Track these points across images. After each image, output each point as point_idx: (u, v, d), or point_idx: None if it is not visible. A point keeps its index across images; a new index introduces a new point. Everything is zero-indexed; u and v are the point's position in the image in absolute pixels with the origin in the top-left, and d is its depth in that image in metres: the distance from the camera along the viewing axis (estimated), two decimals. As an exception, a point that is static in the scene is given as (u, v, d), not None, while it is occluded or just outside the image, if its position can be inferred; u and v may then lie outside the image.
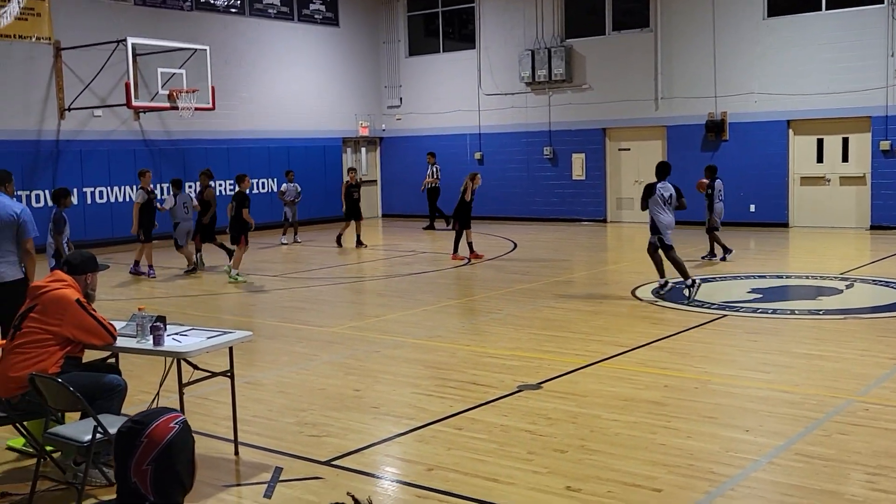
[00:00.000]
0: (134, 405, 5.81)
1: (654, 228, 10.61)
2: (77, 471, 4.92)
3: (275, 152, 21.52)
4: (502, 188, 22.19)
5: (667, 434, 5.59)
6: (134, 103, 16.80)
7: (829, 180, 18.52)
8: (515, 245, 17.01)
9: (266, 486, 4.93)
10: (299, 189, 18.77)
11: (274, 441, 5.70)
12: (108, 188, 18.22)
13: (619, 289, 11.20)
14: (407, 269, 14.20)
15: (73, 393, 4.53)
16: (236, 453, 5.46)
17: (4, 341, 5.29)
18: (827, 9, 18.04)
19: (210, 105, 17.88)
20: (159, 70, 17.30)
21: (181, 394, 5.15)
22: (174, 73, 17.44)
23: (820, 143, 18.55)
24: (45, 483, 4.95)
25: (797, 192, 18.86)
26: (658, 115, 20.18)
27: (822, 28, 18.05)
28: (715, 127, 19.27)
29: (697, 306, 10.02)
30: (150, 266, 13.88)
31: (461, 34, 23.75)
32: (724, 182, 17.91)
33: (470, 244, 14.94)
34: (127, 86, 16.44)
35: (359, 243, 17.31)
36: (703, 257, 13.96)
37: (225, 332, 5.49)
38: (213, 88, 17.94)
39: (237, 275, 13.02)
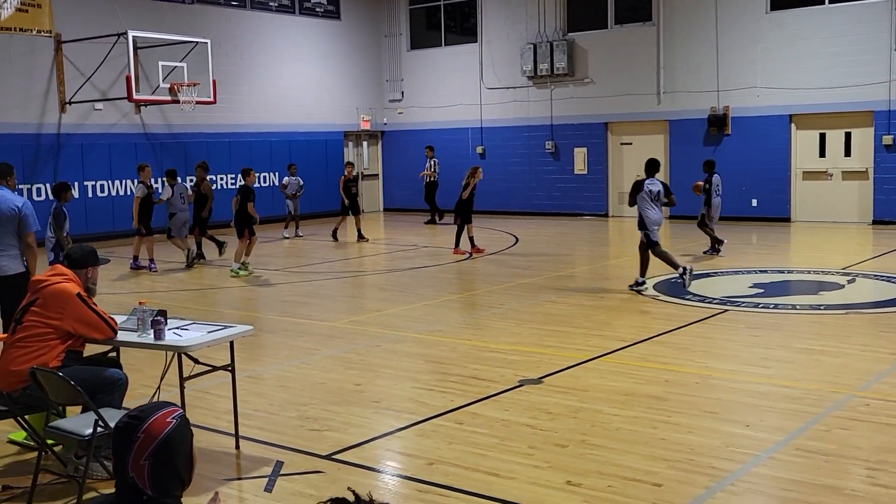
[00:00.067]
0: (135, 399, 5.81)
1: (642, 224, 10.71)
2: (78, 464, 4.93)
3: (276, 146, 21.50)
4: (504, 182, 22.17)
5: (667, 429, 5.59)
6: (135, 97, 16.78)
7: (831, 175, 18.49)
8: (517, 239, 17.00)
9: (267, 479, 4.94)
10: (301, 182, 18.77)
11: (275, 435, 5.71)
12: (110, 182, 18.21)
13: (621, 283, 11.19)
14: (408, 264, 14.20)
15: (74, 387, 4.53)
16: (237, 447, 5.47)
17: (6, 335, 5.29)
18: (830, 3, 17.98)
19: (211, 98, 17.86)
20: (160, 63, 17.27)
21: (182, 388, 5.16)
22: (175, 67, 17.42)
23: (822, 137, 18.51)
24: (47, 476, 4.96)
25: (799, 186, 18.83)
26: (660, 109, 20.14)
27: (824, 22, 18.00)
28: (717, 121, 19.24)
29: (699, 300, 10.02)
30: (151, 260, 13.89)
31: (463, 28, 23.71)
32: (727, 176, 17.94)
33: (471, 238, 14.94)
34: (128, 79, 16.41)
35: (360, 237, 17.32)
36: (704, 252, 13.95)
37: (226, 327, 5.49)
38: (214, 82, 17.92)
39: (238, 268, 13.02)
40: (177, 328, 5.34)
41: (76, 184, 17.23)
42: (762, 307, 9.62)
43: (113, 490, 2.40)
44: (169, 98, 17.32)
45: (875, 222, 17.75)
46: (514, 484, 4.78)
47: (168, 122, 19.33)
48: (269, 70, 21.49)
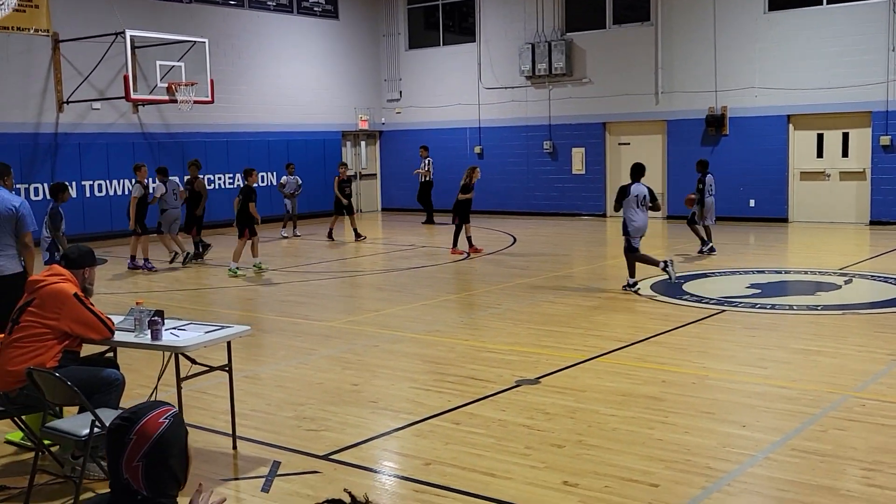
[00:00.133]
0: (132, 399, 5.79)
1: (625, 229, 10.73)
2: (75, 464, 4.93)
3: (274, 146, 21.50)
4: (502, 182, 22.18)
5: (664, 429, 5.60)
6: (132, 96, 16.77)
7: (828, 175, 18.51)
8: (515, 239, 17.01)
9: (264, 479, 4.94)
10: (300, 182, 18.77)
11: (272, 435, 5.71)
12: (107, 181, 18.19)
13: (618, 284, 11.19)
14: (406, 264, 14.20)
15: (71, 387, 4.53)
16: (234, 447, 5.47)
17: (2, 335, 5.29)
18: (828, 3, 18.00)
19: (209, 98, 17.86)
20: (158, 63, 17.26)
21: (179, 388, 5.16)
22: (173, 66, 17.41)
23: (820, 137, 18.53)
24: (44, 477, 4.96)
25: (797, 186, 18.85)
26: (658, 109, 20.15)
27: (822, 22, 18.01)
28: (715, 121, 19.25)
29: (696, 301, 10.03)
30: (146, 259, 13.89)
31: (461, 27, 23.71)
32: (725, 177, 17.99)
33: (469, 238, 14.95)
34: (126, 78, 16.40)
35: (357, 236, 17.33)
36: (699, 252, 13.96)
37: (223, 327, 5.49)
38: (212, 81, 17.91)
39: (236, 268, 13.03)
40: (174, 328, 5.34)
41: (73, 183, 17.22)
42: (759, 307, 9.63)
43: (108, 490, 2.40)
44: (167, 98, 17.30)
45: (872, 223, 17.77)
46: (511, 484, 4.78)
47: (166, 122, 19.32)
48: (267, 70, 21.49)
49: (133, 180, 14.34)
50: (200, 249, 14.85)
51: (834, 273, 11.89)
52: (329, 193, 18.00)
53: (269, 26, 21.58)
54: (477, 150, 22.91)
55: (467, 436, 5.59)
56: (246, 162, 18.72)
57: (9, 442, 5.66)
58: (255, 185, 13.46)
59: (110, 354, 5.66)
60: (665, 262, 10.92)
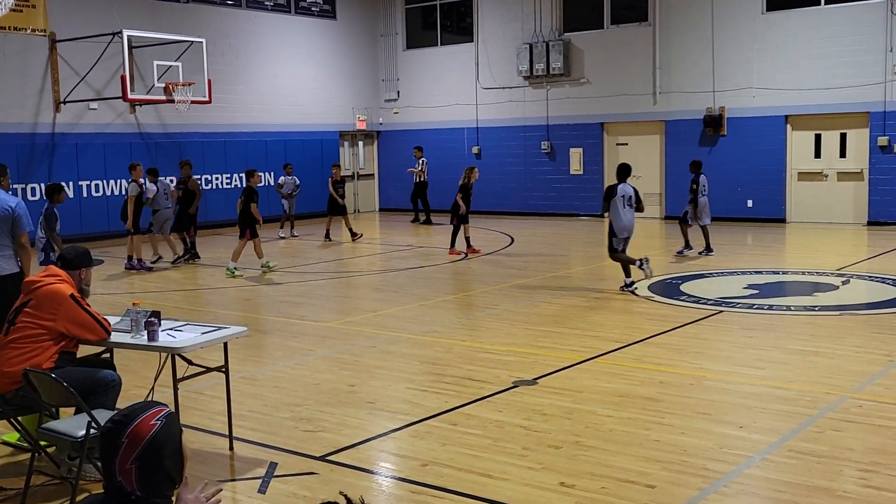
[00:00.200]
0: (129, 400, 5.77)
1: (611, 229, 10.77)
2: (71, 465, 4.92)
3: (271, 146, 21.47)
4: (500, 182, 22.17)
5: (661, 430, 5.60)
6: (130, 96, 16.74)
7: (826, 176, 18.52)
8: (512, 240, 17.01)
9: (261, 481, 4.94)
10: (298, 182, 18.74)
11: (268, 436, 5.71)
12: (104, 181, 18.16)
13: (616, 284, 11.20)
14: (403, 264, 14.20)
15: (67, 388, 4.53)
16: (231, 448, 5.46)
17: (-1, 336, 5.28)
18: (826, 3, 18.01)
19: (206, 98, 17.83)
20: (155, 63, 17.24)
21: (176, 389, 5.15)
22: (170, 66, 17.39)
23: (818, 138, 18.54)
24: (40, 478, 4.96)
25: (795, 187, 18.86)
26: (656, 109, 20.15)
27: (820, 23, 18.03)
28: (713, 122, 19.26)
29: (694, 301, 10.04)
30: (140, 260, 13.88)
31: (459, 27, 23.71)
32: (723, 177, 18.02)
33: (467, 239, 14.95)
34: (123, 78, 16.39)
35: (353, 235, 17.32)
36: (700, 252, 13.97)
37: (220, 328, 5.48)
38: (209, 81, 17.89)
39: (234, 268, 13.02)
40: (171, 329, 5.34)
41: (70, 183, 17.21)
42: (757, 308, 9.64)
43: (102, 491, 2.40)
44: (164, 98, 17.29)
45: (870, 223, 17.78)
46: (508, 485, 4.78)
47: (163, 122, 19.29)
48: (264, 69, 21.47)
49: (129, 180, 14.33)
50: (193, 249, 14.83)
51: (831, 274, 11.90)
52: (327, 194, 17.97)
53: (266, 26, 21.56)
54: (475, 150, 22.91)
55: (464, 437, 5.58)
56: (243, 162, 18.71)
57: (5, 443, 5.66)
58: (256, 185, 13.48)
59: (107, 355, 5.65)
60: (641, 260, 10.92)
